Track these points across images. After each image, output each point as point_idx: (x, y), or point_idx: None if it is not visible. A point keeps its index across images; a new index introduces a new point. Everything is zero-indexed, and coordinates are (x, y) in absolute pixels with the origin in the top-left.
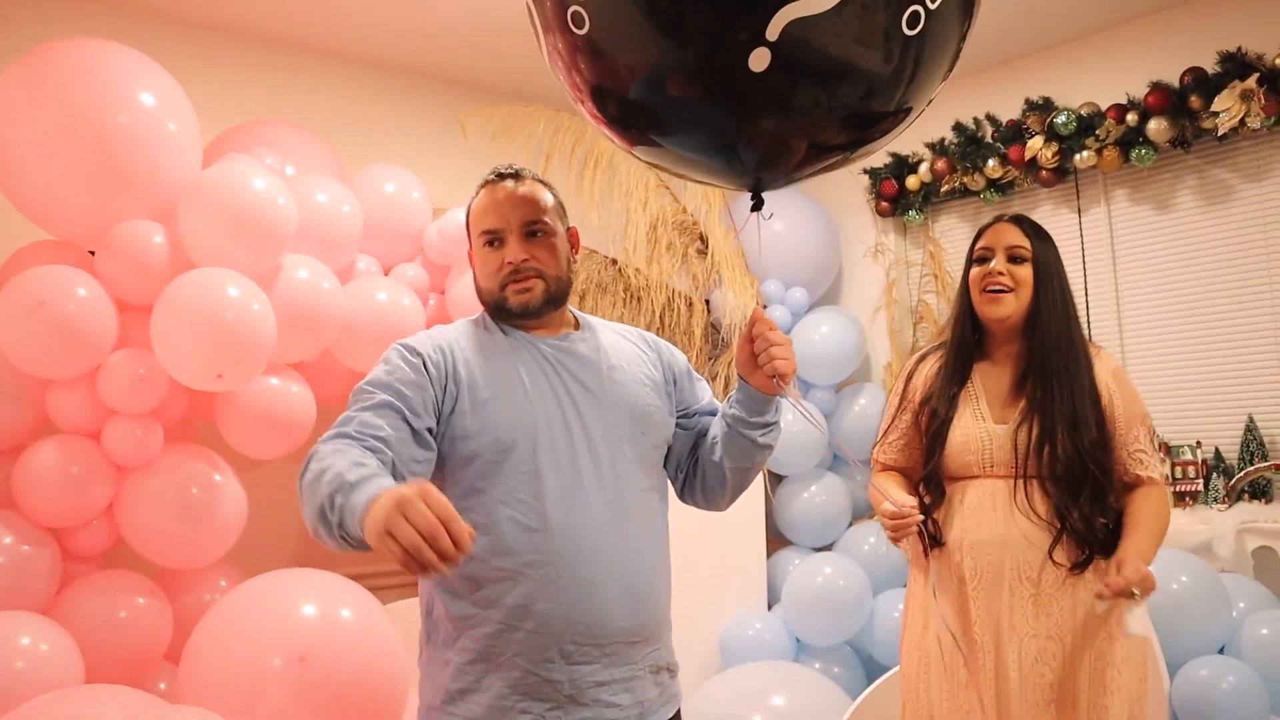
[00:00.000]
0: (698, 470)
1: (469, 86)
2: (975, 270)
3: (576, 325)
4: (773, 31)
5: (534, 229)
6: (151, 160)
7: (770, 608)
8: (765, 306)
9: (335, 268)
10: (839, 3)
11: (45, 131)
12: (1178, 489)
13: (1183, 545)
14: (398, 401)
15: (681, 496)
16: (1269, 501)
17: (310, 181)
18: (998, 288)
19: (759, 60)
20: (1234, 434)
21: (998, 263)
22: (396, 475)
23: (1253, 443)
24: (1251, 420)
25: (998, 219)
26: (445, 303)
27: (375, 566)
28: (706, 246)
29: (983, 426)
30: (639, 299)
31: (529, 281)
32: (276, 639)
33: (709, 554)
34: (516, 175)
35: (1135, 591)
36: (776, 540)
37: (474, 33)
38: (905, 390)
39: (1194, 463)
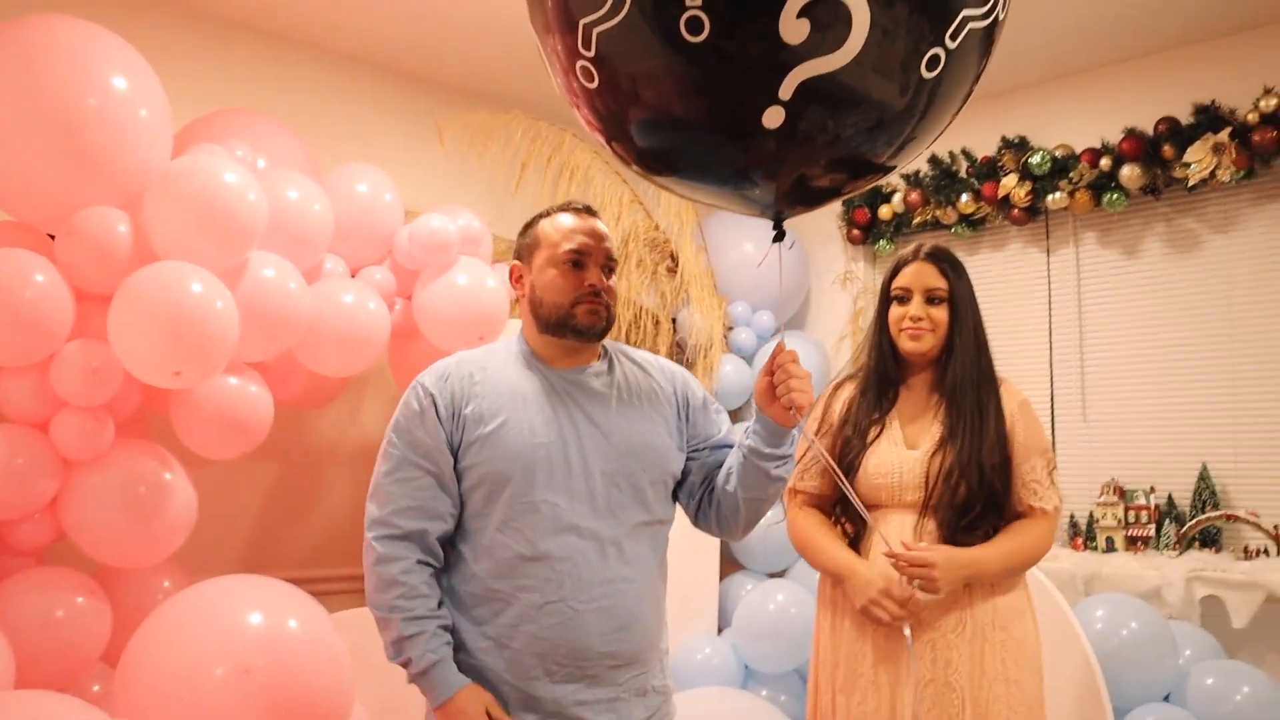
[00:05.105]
0: (713, 500)
1: (447, 89)
2: (894, 311)
3: (599, 355)
4: (786, 91)
5: (610, 267)
6: (120, 145)
7: (720, 632)
8: (732, 328)
9: (303, 267)
10: (853, 60)
11: (11, 108)
12: (1130, 533)
13: (1133, 590)
14: (424, 461)
15: (696, 523)
16: (1219, 551)
17: (282, 177)
18: (918, 331)
19: (772, 118)
20: (1188, 481)
21: (916, 306)
22: (443, 522)
23: (1205, 491)
24: (1205, 469)
25: (916, 255)
26: (412, 308)
27: (323, 571)
28: (677, 265)
29: (895, 452)
30: None
31: (601, 306)
32: (221, 648)
33: None
34: (595, 213)
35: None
36: (730, 564)
37: (452, 34)
38: (824, 416)
39: (1147, 508)
